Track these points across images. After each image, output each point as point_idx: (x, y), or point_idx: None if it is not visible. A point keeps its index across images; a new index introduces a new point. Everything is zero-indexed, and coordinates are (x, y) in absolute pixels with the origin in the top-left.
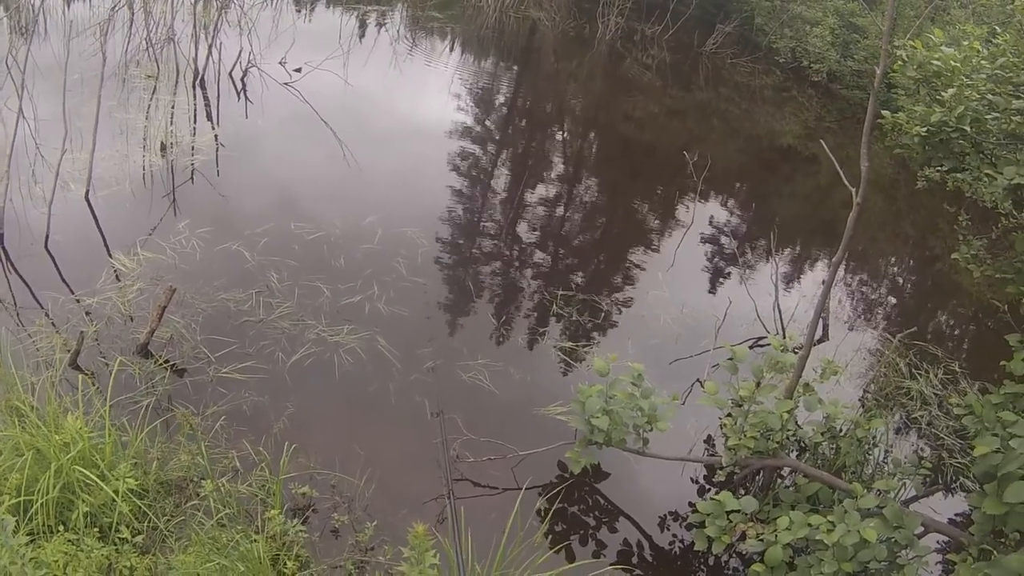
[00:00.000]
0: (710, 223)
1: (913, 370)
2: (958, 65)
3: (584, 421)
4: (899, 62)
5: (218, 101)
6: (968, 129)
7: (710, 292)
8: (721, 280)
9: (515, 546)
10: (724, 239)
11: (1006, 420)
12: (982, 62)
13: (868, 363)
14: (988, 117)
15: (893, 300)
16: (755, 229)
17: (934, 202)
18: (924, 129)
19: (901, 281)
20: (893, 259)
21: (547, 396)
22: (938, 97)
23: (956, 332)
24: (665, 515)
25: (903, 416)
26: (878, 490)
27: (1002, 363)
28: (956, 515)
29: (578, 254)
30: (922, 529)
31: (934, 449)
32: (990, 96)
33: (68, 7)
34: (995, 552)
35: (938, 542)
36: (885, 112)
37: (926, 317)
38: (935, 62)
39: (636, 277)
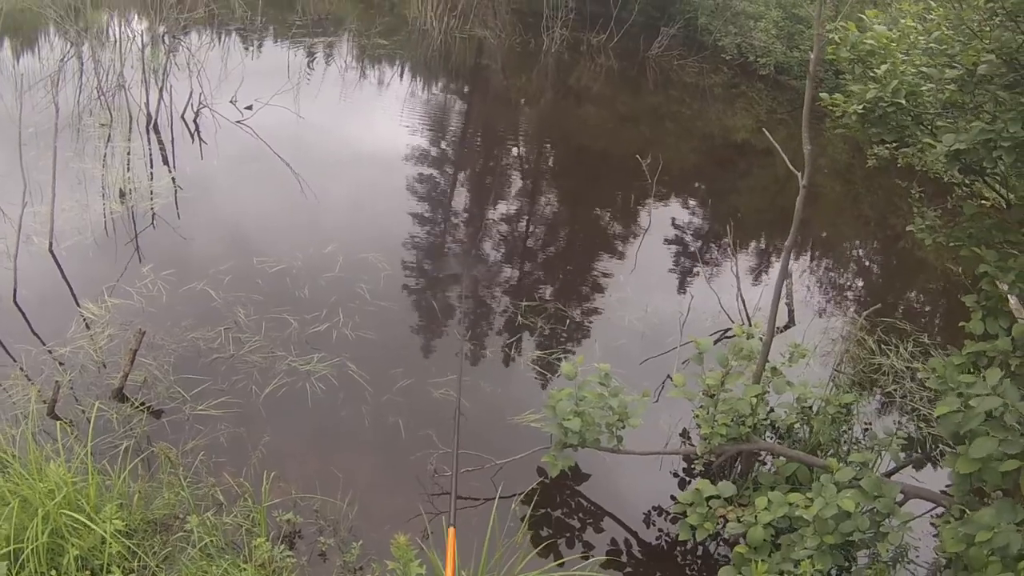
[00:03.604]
0: (672, 224)
1: (882, 346)
2: (892, 43)
3: (557, 425)
4: (832, 45)
5: (173, 144)
6: (904, 102)
7: (674, 290)
8: (683, 278)
9: (499, 552)
10: (684, 237)
11: (965, 380)
12: (919, 38)
13: (837, 344)
14: (923, 89)
15: (859, 281)
16: (715, 225)
17: (888, 180)
18: (860, 107)
19: (866, 262)
20: (856, 242)
21: (520, 405)
22: (872, 74)
23: (924, 306)
24: (649, 511)
25: (878, 392)
26: (855, 463)
27: (961, 324)
28: (947, 485)
29: (541, 265)
30: (903, 496)
31: (912, 421)
32: (924, 69)
33: (17, 61)
34: (967, 511)
35: (928, 512)
36: (823, 95)
37: (893, 294)
38: (868, 42)
39: (600, 283)
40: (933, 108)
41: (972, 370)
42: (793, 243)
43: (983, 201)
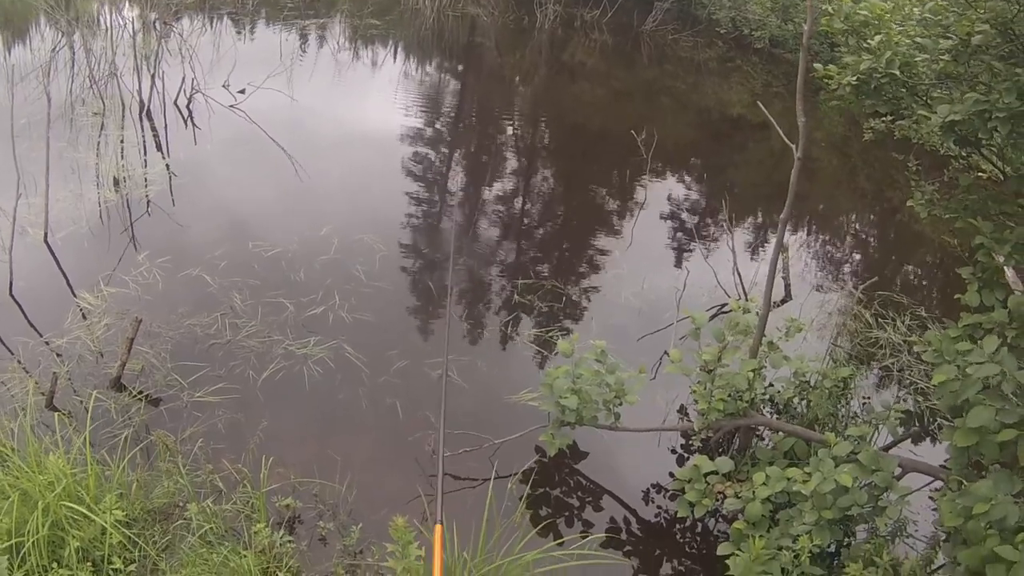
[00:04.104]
0: (666, 199)
1: (880, 320)
2: (886, 14)
3: (554, 403)
4: (826, 16)
5: (166, 131)
6: (898, 73)
7: (669, 266)
8: (680, 253)
9: (498, 531)
10: (680, 213)
11: (962, 349)
12: (913, 9)
13: (834, 318)
14: (918, 59)
15: (856, 255)
16: (711, 200)
17: (885, 153)
18: (855, 78)
19: (863, 236)
20: (853, 215)
21: (517, 384)
22: (865, 45)
23: (922, 279)
24: (648, 488)
25: (876, 366)
26: (852, 437)
27: (956, 296)
28: (946, 459)
29: (537, 243)
30: (900, 470)
31: (910, 394)
32: (918, 39)
33: (8, 53)
34: (964, 483)
35: (926, 486)
36: (816, 65)
37: (891, 268)
38: (862, 12)
39: (596, 259)
40: (928, 79)
41: (969, 342)
42: (788, 216)
43: (979, 173)
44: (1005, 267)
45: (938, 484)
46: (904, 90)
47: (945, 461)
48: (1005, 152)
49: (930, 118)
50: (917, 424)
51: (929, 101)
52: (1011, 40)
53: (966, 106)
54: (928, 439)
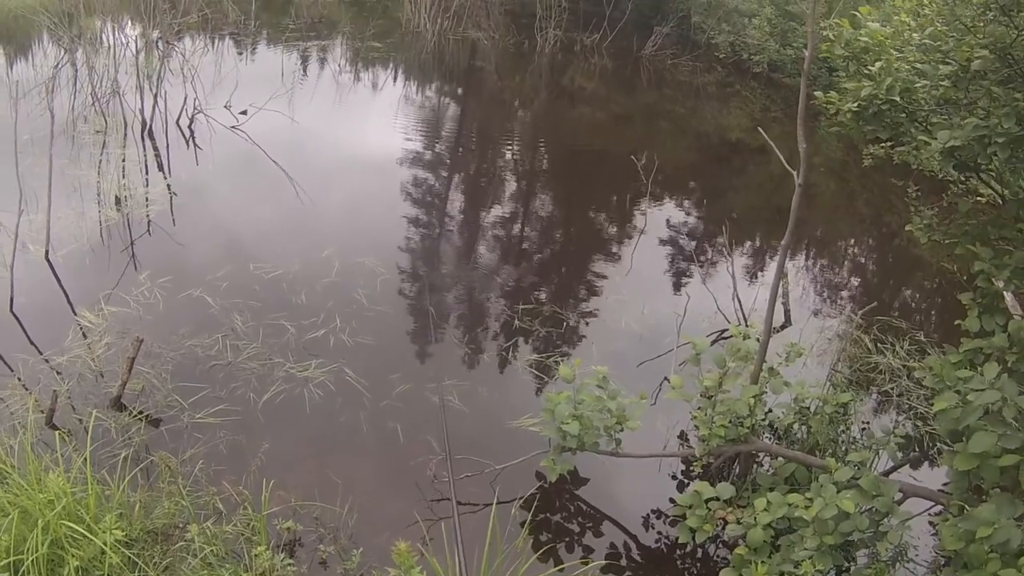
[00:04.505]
0: (666, 224)
1: (879, 345)
2: (886, 39)
3: (555, 428)
4: (826, 43)
5: (168, 150)
6: (899, 99)
7: (670, 292)
8: (680, 279)
9: (499, 557)
10: (679, 238)
11: (963, 376)
12: (912, 35)
13: (833, 343)
14: (918, 86)
15: (855, 280)
16: (710, 225)
17: (884, 178)
18: (855, 104)
19: (862, 260)
20: (851, 240)
21: (517, 409)
22: (866, 71)
23: (920, 304)
24: (648, 514)
25: (875, 391)
26: (853, 463)
27: (957, 322)
28: (945, 484)
29: (537, 268)
30: (901, 495)
31: (909, 419)
32: (918, 65)
33: (11, 68)
34: (966, 508)
35: (926, 511)
36: (818, 93)
37: (890, 293)
38: (862, 38)
39: (596, 285)
40: (928, 105)
41: (969, 368)
42: (789, 243)
43: (978, 198)
44: (1004, 292)
45: (937, 508)
46: (904, 116)
47: (944, 485)
48: (1004, 176)
49: (930, 144)
50: (917, 449)
51: (929, 127)
52: (1010, 65)
53: (966, 131)
54: (926, 463)
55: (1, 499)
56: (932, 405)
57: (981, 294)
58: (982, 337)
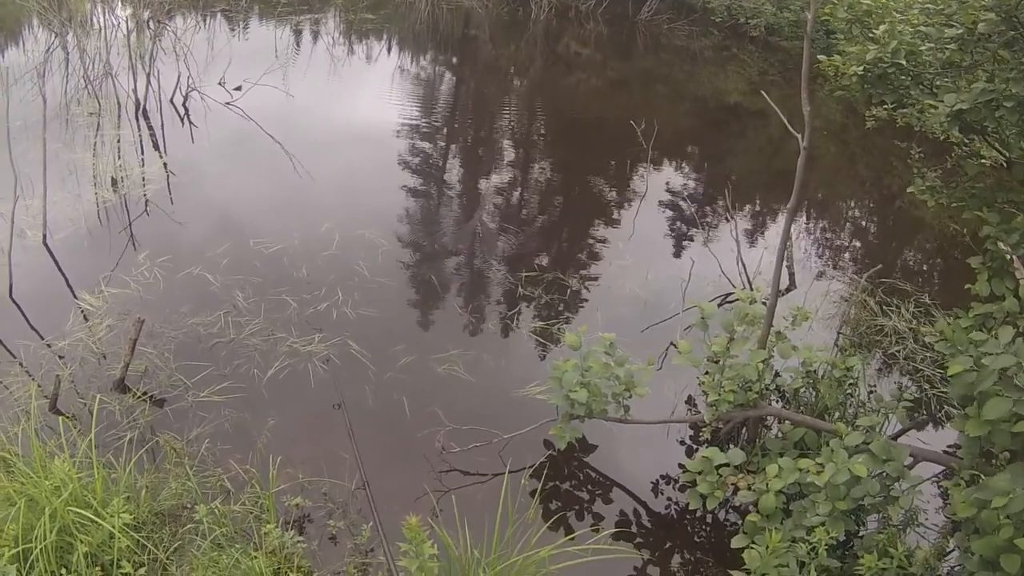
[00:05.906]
0: (666, 188)
1: (884, 307)
2: (889, 2)
3: (563, 396)
4: (828, 5)
5: (163, 129)
6: (904, 63)
7: (673, 256)
8: (682, 243)
9: (510, 528)
10: (681, 202)
11: (977, 340)
12: None
13: (838, 306)
14: (923, 49)
15: (858, 243)
16: (711, 189)
17: (885, 141)
18: (861, 68)
19: (864, 223)
20: (852, 203)
21: (524, 378)
22: (871, 35)
23: (924, 266)
24: (657, 480)
25: (881, 354)
26: (863, 427)
27: (967, 286)
28: (950, 446)
29: (539, 235)
30: (911, 460)
31: (915, 382)
32: (922, 28)
33: (2, 55)
34: (982, 476)
35: (935, 475)
36: (821, 56)
37: (892, 255)
38: (865, 1)
39: (598, 251)
40: (932, 68)
41: (980, 332)
42: (796, 206)
43: (982, 160)
44: (1013, 255)
45: (944, 470)
46: (909, 79)
47: (948, 447)
48: (1008, 139)
49: (936, 107)
50: (924, 412)
51: (934, 90)
52: (1016, 27)
53: (973, 95)
54: (931, 425)
55: (7, 488)
56: (939, 368)
57: (990, 258)
58: (992, 301)
